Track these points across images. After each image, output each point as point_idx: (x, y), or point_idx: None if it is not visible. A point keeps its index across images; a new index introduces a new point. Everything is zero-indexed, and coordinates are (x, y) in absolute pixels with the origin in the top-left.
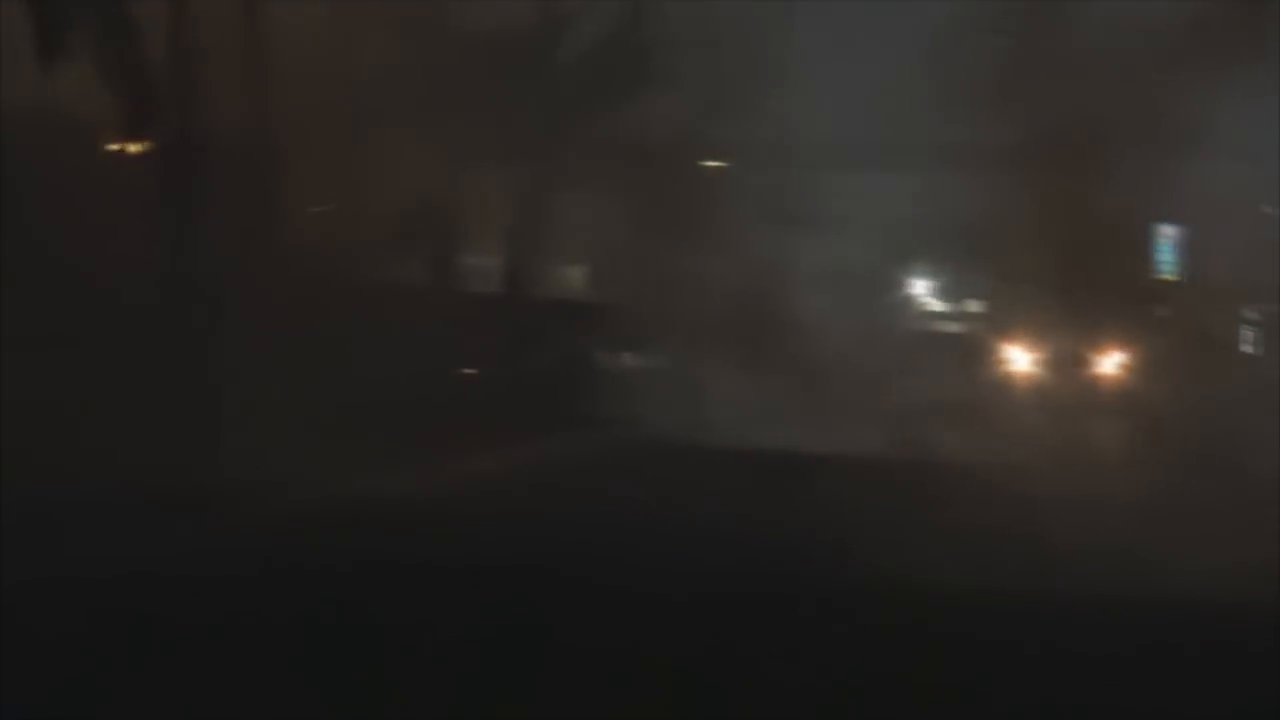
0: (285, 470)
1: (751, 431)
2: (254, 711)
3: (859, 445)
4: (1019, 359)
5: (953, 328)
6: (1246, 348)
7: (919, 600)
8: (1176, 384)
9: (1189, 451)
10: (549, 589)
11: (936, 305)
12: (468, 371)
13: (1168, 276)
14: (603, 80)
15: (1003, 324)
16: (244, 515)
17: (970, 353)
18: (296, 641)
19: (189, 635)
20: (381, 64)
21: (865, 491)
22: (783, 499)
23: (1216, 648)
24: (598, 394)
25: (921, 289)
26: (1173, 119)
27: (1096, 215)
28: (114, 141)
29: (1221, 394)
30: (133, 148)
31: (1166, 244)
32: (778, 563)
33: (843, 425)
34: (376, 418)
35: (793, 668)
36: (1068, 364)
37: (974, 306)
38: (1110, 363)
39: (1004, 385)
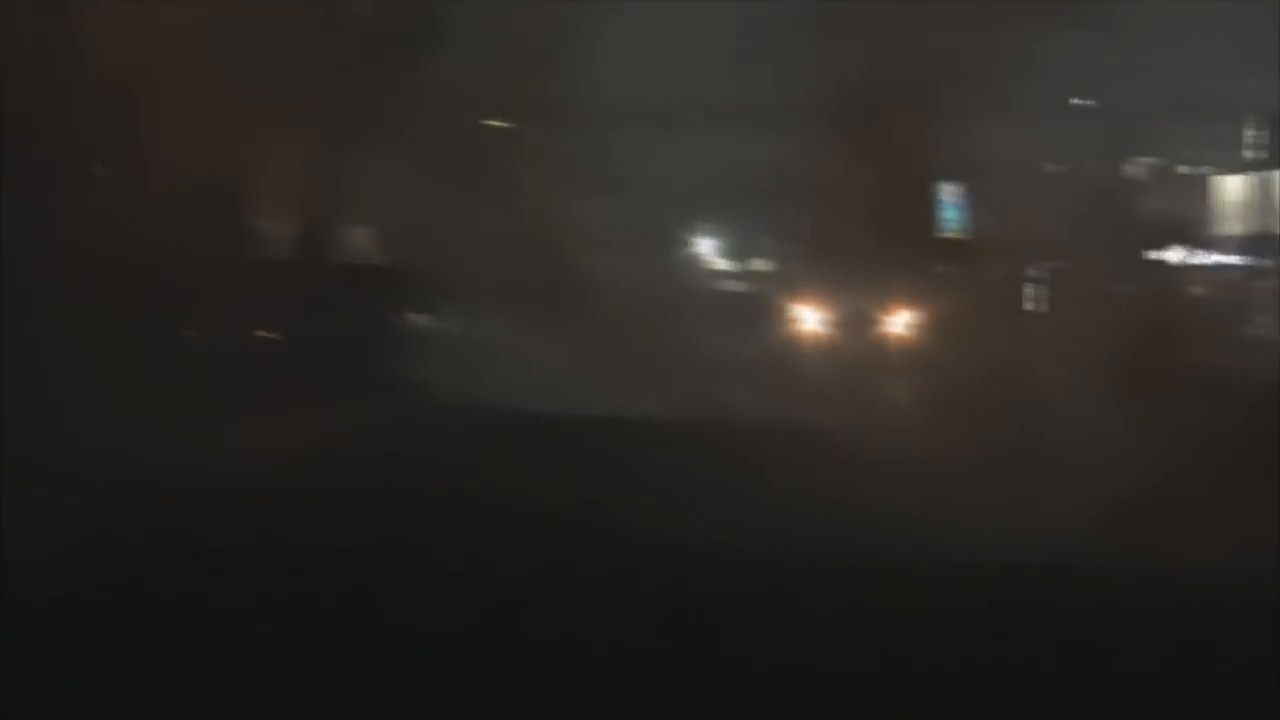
0: (72, 443)
1: (542, 394)
2: (44, 690)
3: (648, 406)
4: (807, 318)
5: (744, 287)
6: (1030, 306)
7: (714, 565)
8: (963, 343)
9: (978, 411)
10: (329, 560)
11: (729, 265)
12: (254, 338)
13: (953, 235)
14: (384, 37)
15: (792, 283)
16: (27, 489)
17: (759, 312)
18: (88, 618)
19: None
20: (161, 29)
21: (656, 454)
22: (565, 463)
23: (1026, 608)
24: (383, 358)
25: (712, 249)
26: (957, 75)
27: (880, 173)
28: None
29: (1006, 352)
30: None
31: (951, 202)
32: (566, 530)
33: (631, 385)
34: (163, 387)
35: (590, 639)
36: (856, 323)
37: (764, 266)
38: (898, 322)
39: (792, 344)
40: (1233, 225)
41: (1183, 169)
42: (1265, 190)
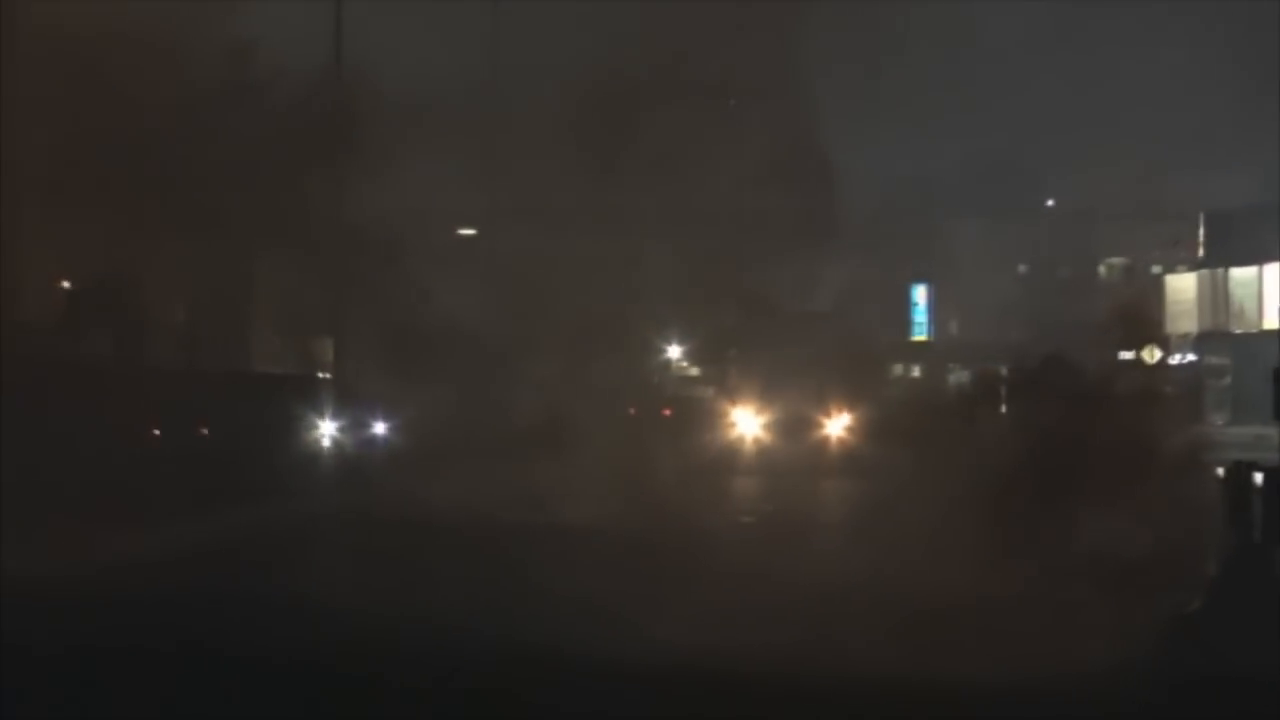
0: None
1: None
2: None
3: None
4: (747, 423)
5: (686, 391)
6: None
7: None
8: (899, 446)
9: (877, 520)
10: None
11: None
12: (148, 445)
13: (920, 338)
14: (297, 149)
15: (734, 389)
16: None
17: (697, 418)
18: None
19: None
20: (68, 132)
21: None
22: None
23: None
24: (283, 467)
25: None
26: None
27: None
28: None
29: (941, 455)
30: None
31: (919, 305)
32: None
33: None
34: (45, 493)
35: None
36: (792, 427)
37: (704, 371)
38: (836, 425)
39: (724, 451)
40: (1187, 323)
41: (1148, 268)
42: (1215, 287)
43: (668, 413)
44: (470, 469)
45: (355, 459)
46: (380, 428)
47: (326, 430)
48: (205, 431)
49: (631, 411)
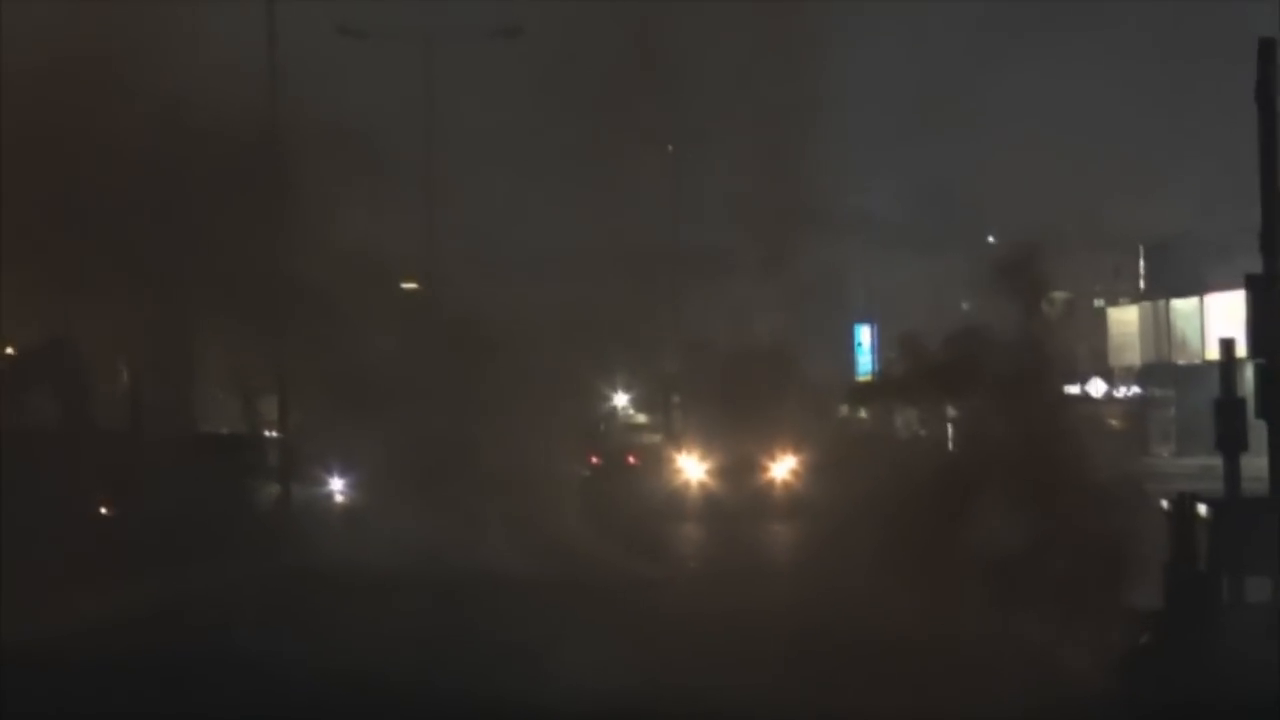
0: None
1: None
2: None
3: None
4: (693, 469)
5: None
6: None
7: None
8: (841, 487)
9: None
10: None
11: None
12: (101, 509)
13: (865, 377)
14: (236, 207)
15: (679, 435)
16: None
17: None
18: None
19: None
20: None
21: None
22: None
23: None
24: (239, 526)
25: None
26: None
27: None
28: None
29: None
30: None
31: (863, 345)
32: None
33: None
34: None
35: None
36: (737, 471)
37: (650, 418)
38: (781, 468)
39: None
40: (1130, 355)
41: (1090, 301)
42: (1157, 318)
43: (633, 460)
44: (418, 522)
45: (311, 515)
46: (336, 483)
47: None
48: (155, 495)
49: (594, 460)
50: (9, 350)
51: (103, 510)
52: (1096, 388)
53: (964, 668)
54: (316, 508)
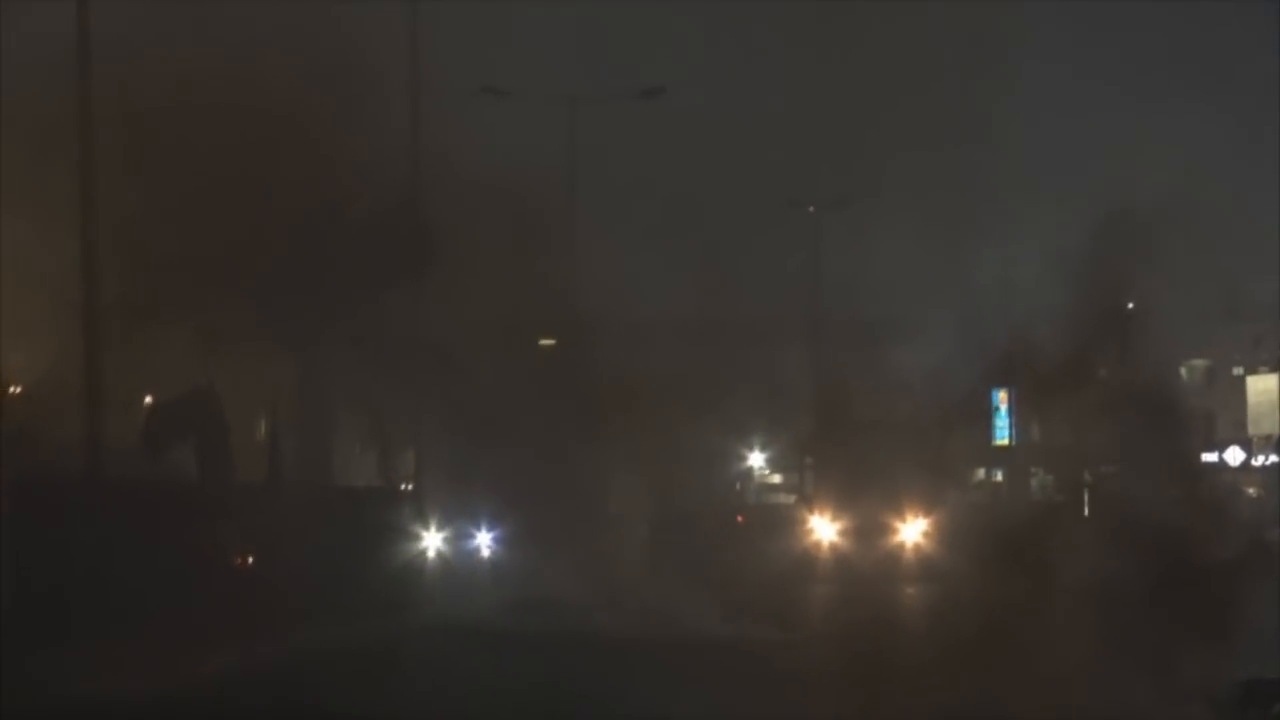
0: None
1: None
2: None
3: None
4: (824, 530)
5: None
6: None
7: None
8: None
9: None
10: None
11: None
12: (249, 560)
13: (1001, 442)
14: (376, 266)
15: (811, 496)
16: None
17: (777, 524)
18: None
19: None
20: (151, 246)
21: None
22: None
23: None
24: (383, 583)
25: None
26: None
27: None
28: None
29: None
30: None
31: (1000, 409)
32: None
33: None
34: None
35: None
36: (869, 533)
37: (784, 478)
38: (913, 530)
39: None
40: (1269, 423)
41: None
42: None
43: (741, 520)
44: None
45: (460, 570)
46: (485, 538)
47: (431, 542)
48: (294, 548)
49: (739, 519)
50: (149, 399)
51: (242, 562)
52: (1234, 455)
53: None
54: (461, 562)
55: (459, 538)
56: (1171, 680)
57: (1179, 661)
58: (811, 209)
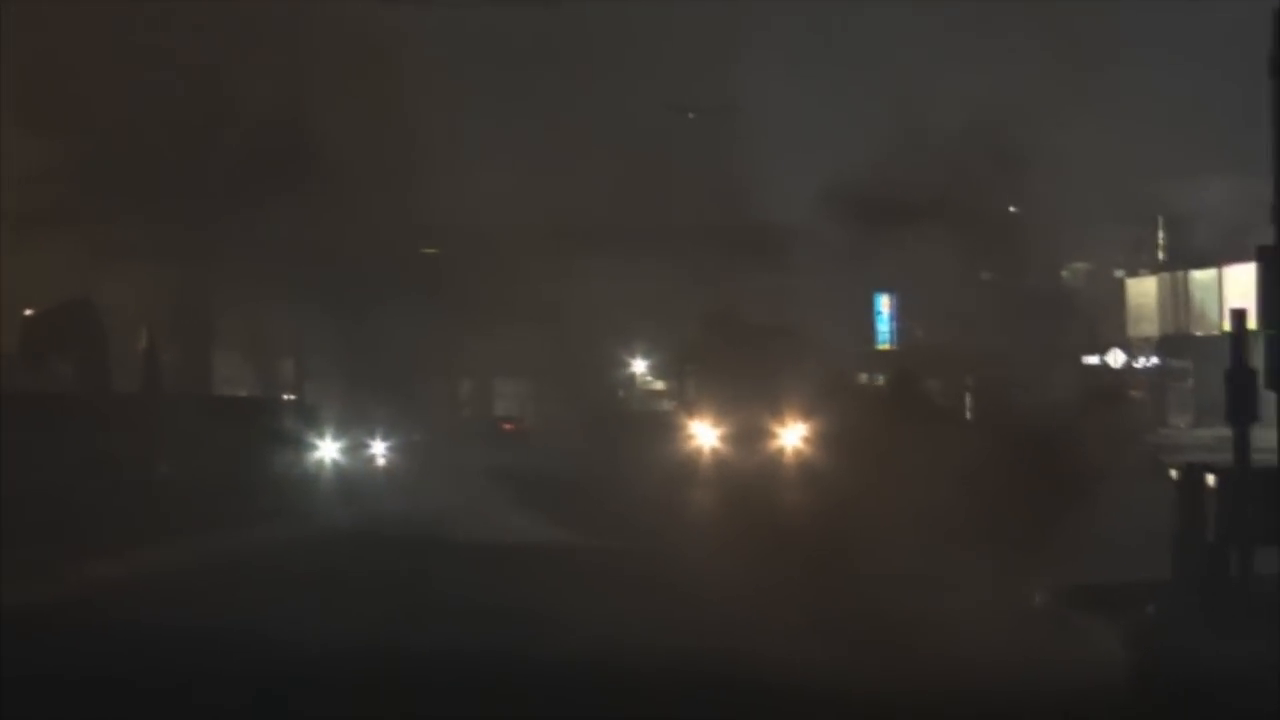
0: None
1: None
2: None
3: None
4: (705, 435)
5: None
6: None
7: None
8: (849, 453)
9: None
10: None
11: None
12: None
13: (884, 346)
14: (266, 172)
15: (692, 402)
16: None
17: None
18: None
19: None
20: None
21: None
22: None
23: None
24: (264, 490)
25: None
26: None
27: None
28: None
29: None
30: None
31: (883, 313)
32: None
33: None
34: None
35: None
36: (748, 438)
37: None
38: (792, 435)
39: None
40: (1149, 326)
41: (1108, 272)
42: (1175, 290)
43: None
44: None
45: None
46: (378, 446)
47: (327, 451)
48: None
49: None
50: (28, 312)
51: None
52: (1116, 358)
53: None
54: (351, 470)
55: (354, 447)
56: (1020, 582)
57: (1034, 564)
58: (691, 115)
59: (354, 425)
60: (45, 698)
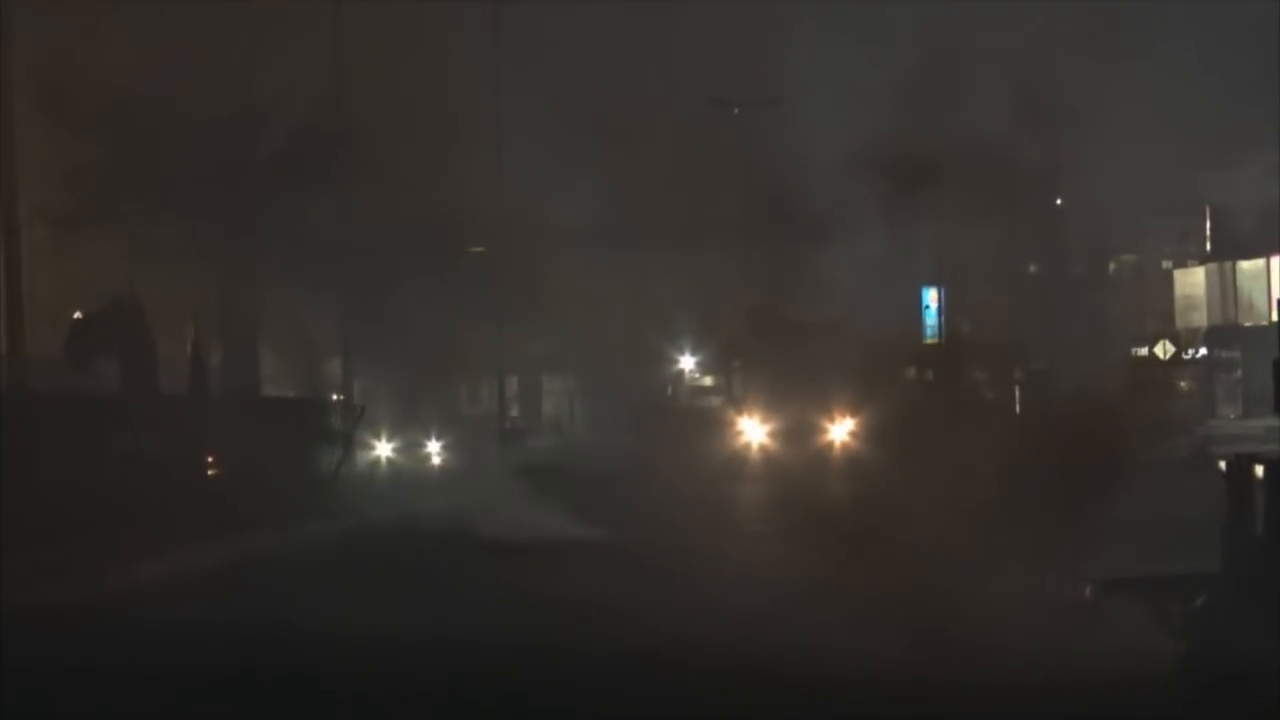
0: None
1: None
2: None
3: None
4: (754, 431)
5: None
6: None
7: None
8: (906, 448)
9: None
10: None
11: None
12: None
13: (931, 340)
14: (309, 169)
15: (741, 398)
16: None
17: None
18: None
19: None
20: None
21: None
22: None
23: None
24: (311, 490)
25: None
26: None
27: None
28: None
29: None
30: None
31: (930, 307)
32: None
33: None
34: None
35: None
36: (798, 434)
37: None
38: (840, 430)
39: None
40: (1197, 317)
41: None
42: (1224, 280)
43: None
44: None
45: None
46: (433, 446)
47: (381, 450)
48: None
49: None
50: (77, 315)
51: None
52: (1164, 350)
53: (1028, 633)
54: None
55: (409, 446)
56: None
57: (1082, 556)
58: (736, 110)
59: (405, 425)
60: (85, 693)
